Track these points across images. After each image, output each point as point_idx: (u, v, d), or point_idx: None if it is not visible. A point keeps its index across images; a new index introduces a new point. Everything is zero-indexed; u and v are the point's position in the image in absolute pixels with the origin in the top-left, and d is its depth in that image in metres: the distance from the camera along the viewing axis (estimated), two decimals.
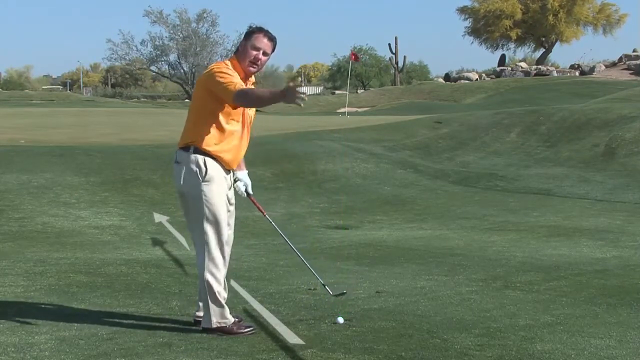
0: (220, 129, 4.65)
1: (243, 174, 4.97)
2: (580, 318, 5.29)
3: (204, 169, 4.60)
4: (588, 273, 7.13)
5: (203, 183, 4.61)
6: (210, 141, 4.62)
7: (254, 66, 4.73)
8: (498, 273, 7.16)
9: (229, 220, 4.83)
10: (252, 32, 4.75)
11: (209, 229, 4.64)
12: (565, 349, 4.45)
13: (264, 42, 4.73)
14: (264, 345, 4.46)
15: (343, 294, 5.38)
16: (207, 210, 4.62)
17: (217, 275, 4.67)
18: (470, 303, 5.77)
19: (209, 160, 4.62)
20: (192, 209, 4.68)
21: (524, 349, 4.42)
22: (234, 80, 4.52)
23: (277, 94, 4.27)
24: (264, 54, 4.74)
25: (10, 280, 6.43)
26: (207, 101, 4.62)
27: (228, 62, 4.73)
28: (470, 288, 6.41)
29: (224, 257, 4.73)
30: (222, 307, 4.72)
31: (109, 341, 4.48)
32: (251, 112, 4.88)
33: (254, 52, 4.71)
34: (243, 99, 4.46)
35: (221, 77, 4.53)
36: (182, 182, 4.66)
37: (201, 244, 4.68)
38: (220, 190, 4.68)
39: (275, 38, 4.82)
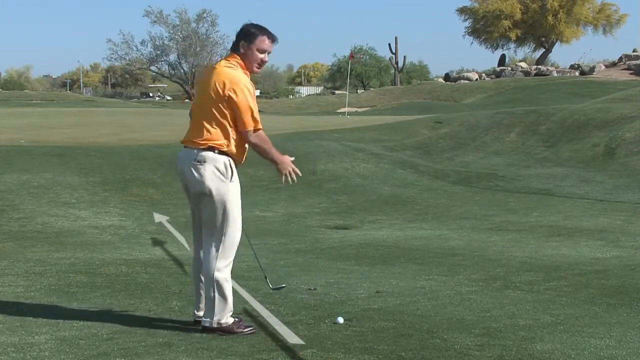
0: (237, 132, 4.70)
1: None
2: (580, 318, 5.29)
3: (230, 169, 4.67)
4: (588, 273, 7.13)
5: (230, 183, 4.68)
6: (232, 145, 4.68)
7: (259, 68, 4.82)
8: (498, 273, 7.16)
9: None
10: (255, 35, 4.74)
11: (232, 228, 4.69)
12: (565, 349, 4.45)
13: (267, 44, 4.77)
14: (264, 345, 4.46)
15: (282, 287, 5.41)
16: (231, 210, 4.68)
17: (227, 275, 4.71)
18: (470, 303, 5.77)
19: (232, 161, 4.70)
20: (217, 208, 4.67)
21: (524, 349, 4.42)
22: (257, 112, 4.68)
23: (277, 158, 4.74)
24: (268, 54, 4.82)
25: (10, 280, 6.43)
26: (226, 107, 4.65)
27: (242, 71, 4.72)
28: (470, 288, 6.41)
29: (233, 256, 4.77)
30: (227, 307, 4.72)
31: (109, 341, 4.48)
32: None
33: (261, 56, 4.77)
34: (258, 141, 4.69)
35: (249, 103, 4.63)
36: (206, 182, 4.64)
37: (217, 242, 4.69)
38: (239, 190, 4.77)
39: (276, 37, 4.86)
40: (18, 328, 4.78)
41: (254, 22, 4.84)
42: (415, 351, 4.34)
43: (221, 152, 4.65)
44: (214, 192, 4.65)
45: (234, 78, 4.65)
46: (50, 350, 4.29)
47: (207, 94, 4.70)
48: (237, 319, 4.82)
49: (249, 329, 4.75)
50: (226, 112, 4.63)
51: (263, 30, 4.78)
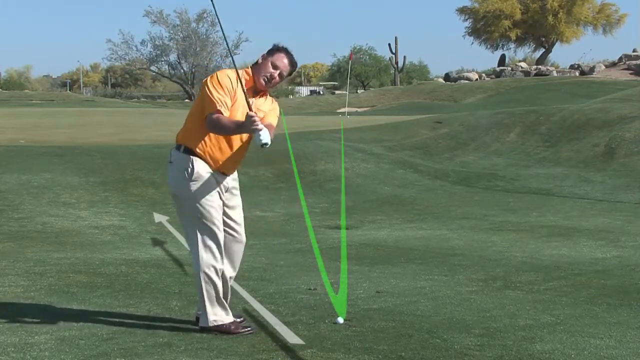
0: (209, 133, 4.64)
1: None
2: (580, 318, 5.29)
3: (190, 168, 4.60)
4: (588, 273, 7.13)
5: (191, 182, 4.61)
6: (199, 143, 4.62)
7: (268, 83, 4.73)
8: (498, 273, 7.16)
9: (235, 224, 4.84)
10: (276, 50, 4.75)
11: (200, 227, 4.66)
12: (565, 349, 4.45)
13: (283, 63, 4.74)
14: (264, 345, 4.46)
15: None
16: (197, 210, 4.64)
17: (209, 274, 4.66)
18: (470, 303, 5.77)
19: (196, 160, 4.62)
20: (184, 209, 4.71)
21: (524, 349, 4.42)
22: (219, 101, 4.53)
23: (240, 125, 4.45)
24: (280, 75, 4.74)
25: (10, 280, 6.44)
26: (202, 105, 4.63)
27: (231, 72, 4.62)
28: (470, 288, 6.41)
29: (217, 255, 4.69)
30: (216, 306, 4.71)
31: (109, 341, 4.48)
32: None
33: (271, 70, 4.71)
34: (212, 127, 4.54)
35: (210, 92, 4.55)
36: (171, 181, 4.72)
37: (194, 243, 4.69)
38: (209, 189, 4.64)
39: (296, 64, 4.83)
40: (18, 328, 4.78)
41: (279, 40, 4.93)
42: (415, 351, 4.34)
43: (186, 151, 4.63)
44: (177, 192, 4.69)
45: (213, 74, 4.66)
46: (50, 350, 4.29)
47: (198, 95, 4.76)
48: (238, 319, 4.84)
49: (247, 329, 4.75)
50: (200, 109, 4.62)
51: (286, 50, 4.78)
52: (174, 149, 4.72)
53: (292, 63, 4.79)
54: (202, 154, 4.62)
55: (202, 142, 4.62)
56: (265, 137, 4.43)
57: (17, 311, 5.25)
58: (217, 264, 4.69)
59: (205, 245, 4.66)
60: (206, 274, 4.66)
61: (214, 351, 4.30)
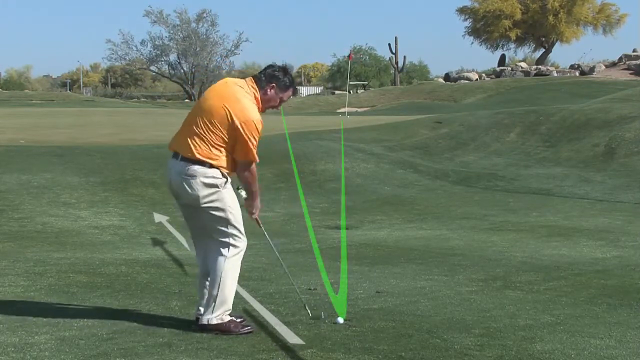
0: (231, 154, 4.77)
1: None
2: (580, 318, 5.29)
3: (222, 178, 4.72)
4: (588, 273, 7.13)
5: (223, 190, 4.72)
6: (227, 165, 4.74)
7: (271, 109, 4.99)
8: (498, 273, 7.16)
9: None
10: (287, 86, 4.92)
11: (232, 230, 4.75)
12: (565, 349, 4.45)
13: (289, 97, 4.99)
14: (264, 345, 4.46)
15: (319, 317, 5.09)
16: (231, 214, 4.73)
17: (234, 275, 4.79)
18: (470, 303, 5.77)
19: (222, 170, 4.74)
20: (217, 217, 4.72)
21: (524, 349, 4.43)
22: (255, 150, 4.76)
23: (257, 196, 4.94)
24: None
25: (10, 280, 6.44)
26: (230, 135, 4.67)
27: (255, 103, 4.78)
28: (470, 288, 6.41)
29: (241, 258, 4.85)
30: (225, 306, 4.75)
31: (109, 341, 4.48)
32: None
33: (279, 103, 4.96)
34: (249, 174, 4.81)
35: (253, 140, 4.69)
36: (200, 195, 4.68)
37: (225, 245, 4.74)
38: (234, 195, 4.83)
39: (297, 93, 5.21)
40: (18, 328, 4.78)
41: (282, 63, 4.98)
42: (415, 351, 4.34)
43: (212, 166, 4.70)
44: (209, 203, 4.70)
45: (248, 113, 4.69)
46: (50, 350, 4.30)
47: (214, 113, 4.70)
48: (239, 319, 4.84)
49: (247, 328, 4.76)
50: (228, 138, 4.67)
51: (293, 84, 4.99)
52: (194, 163, 4.68)
53: (296, 94, 5.12)
54: (228, 170, 4.75)
55: (227, 162, 4.73)
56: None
57: (17, 311, 5.25)
58: (239, 266, 4.82)
59: (235, 247, 4.76)
60: (231, 274, 4.76)
61: (214, 351, 4.30)
